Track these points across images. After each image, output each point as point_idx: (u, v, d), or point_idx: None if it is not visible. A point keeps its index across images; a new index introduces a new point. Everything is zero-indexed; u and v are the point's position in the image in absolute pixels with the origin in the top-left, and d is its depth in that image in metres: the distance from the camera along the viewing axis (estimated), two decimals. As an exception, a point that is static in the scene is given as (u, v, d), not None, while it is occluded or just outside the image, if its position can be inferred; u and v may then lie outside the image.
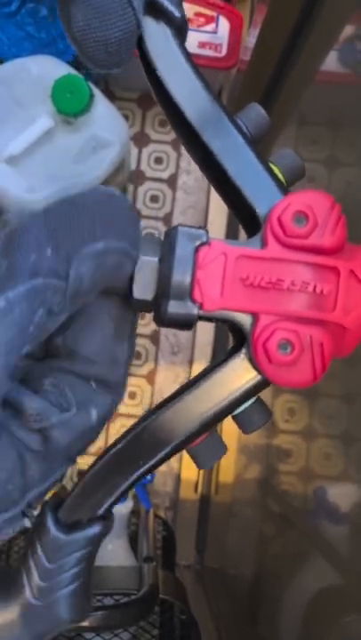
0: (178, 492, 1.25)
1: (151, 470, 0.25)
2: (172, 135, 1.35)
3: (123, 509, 0.87)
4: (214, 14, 1.14)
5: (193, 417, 0.25)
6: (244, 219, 0.26)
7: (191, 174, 1.34)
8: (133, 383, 1.31)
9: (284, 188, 0.26)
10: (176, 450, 0.25)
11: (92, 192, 0.23)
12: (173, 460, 1.23)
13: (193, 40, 1.13)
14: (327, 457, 0.83)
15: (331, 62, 0.85)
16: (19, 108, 0.92)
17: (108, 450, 0.25)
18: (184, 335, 1.30)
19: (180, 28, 0.27)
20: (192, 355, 1.30)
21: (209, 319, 0.25)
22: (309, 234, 0.24)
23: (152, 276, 0.24)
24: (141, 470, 0.25)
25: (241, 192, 0.26)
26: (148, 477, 0.89)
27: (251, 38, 0.99)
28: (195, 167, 1.34)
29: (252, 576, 1.00)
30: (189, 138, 0.27)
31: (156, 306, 0.25)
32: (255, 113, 0.27)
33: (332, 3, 0.74)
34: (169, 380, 1.26)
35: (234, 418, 0.26)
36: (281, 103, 0.95)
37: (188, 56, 0.27)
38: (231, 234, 1.25)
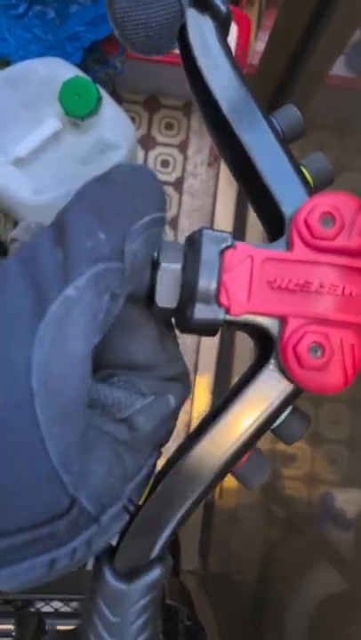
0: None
1: (200, 501, 0.25)
2: (179, 138, 1.35)
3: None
4: (222, 18, 1.14)
5: (233, 439, 0.24)
6: (268, 218, 0.26)
7: (197, 177, 1.34)
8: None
9: (312, 191, 0.25)
10: (221, 476, 0.25)
11: (119, 170, 0.23)
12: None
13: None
14: (332, 462, 0.82)
15: (339, 67, 0.85)
16: (26, 110, 0.92)
17: (153, 487, 0.25)
18: (189, 338, 1.30)
19: (223, 23, 0.27)
20: (197, 358, 1.29)
21: (234, 325, 0.24)
22: (336, 235, 0.24)
23: (175, 283, 0.24)
24: (189, 503, 0.24)
25: (268, 190, 0.25)
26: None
27: (259, 42, 0.98)
28: (201, 170, 1.34)
29: (256, 581, 0.99)
30: (221, 131, 0.26)
31: (180, 311, 0.24)
32: (291, 113, 0.27)
33: (342, 7, 0.73)
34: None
35: (274, 432, 0.26)
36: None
37: (229, 51, 0.27)
38: (238, 238, 1.25)
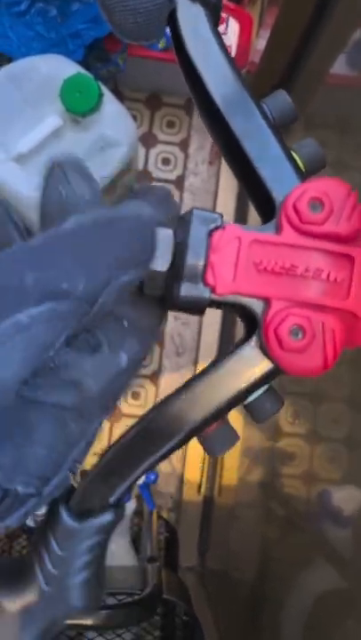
0: (181, 493, 1.24)
1: (163, 458, 0.25)
2: (180, 136, 1.35)
3: (126, 510, 0.87)
4: (224, 15, 1.14)
5: (204, 405, 0.25)
6: (260, 203, 0.26)
7: (198, 176, 1.34)
8: (137, 384, 1.31)
9: (303, 176, 0.26)
10: (187, 438, 0.25)
11: (125, 218, 0.23)
12: (177, 462, 1.23)
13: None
14: (331, 460, 0.82)
15: (340, 65, 0.85)
16: (28, 106, 0.93)
17: (119, 438, 0.25)
18: (189, 336, 1.30)
19: (213, 10, 0.27)
20: (197, 356, 1.30)
21: (220, 304, 0.25)
22: (325, 221, 0.24)
23: (168, 248, 0.24)
24: (153, 458, 0.25)
25: (259, 175, 0.25)
26: (152, 478, 0.89)
27: (260, 40, 0.99)
28: (202, 169, 1.34)
29: (254, 578, 1.00)
30: (213, 117, 0.27)
31: (167, 288, 0.24)
32: (281, 99, 0.27)
33: (343, 6, 0.74)
34: (173, 380, 1.25)
35: (246, 407, 0.26)
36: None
37: (220, 38, 0.27)
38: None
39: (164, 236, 0.24)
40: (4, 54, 1.08)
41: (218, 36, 0.27)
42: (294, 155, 0.26)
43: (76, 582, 0.25)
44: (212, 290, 0.24)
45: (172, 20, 0.27)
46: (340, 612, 0.65)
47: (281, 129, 0.27)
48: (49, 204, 0.24)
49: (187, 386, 0.25)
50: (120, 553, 0.85)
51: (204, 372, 0.25)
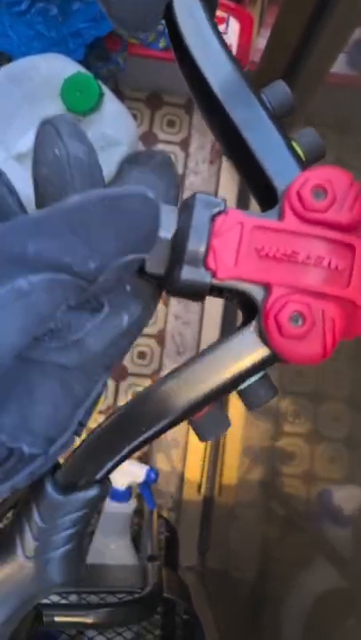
0: (181, 492, 1.25)
1: (153, 438, 0.25)
2: (181, 135, 1.35)
3: (126, 509, 0.87)
4: (225, 15, 1.14)
5: (197, 387, 0.25)
6: (260, 192, 0.26)
7: (199, 175, 1.34)
8: (138, 383, 1.31)
9: (303, 164, 0.26)
10: (179, 419, 0.25)
11: (132, 197, 0.22)
12: (177, 461, 1.23)
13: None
14: (331, 460, 0.82)
15: (340, 65, 0.85)
16: (28, 105, 0.93)
17: (110, 415, 0.25)
18: (190, 335, 1.30)
19: (209, 1, 0.27)
20: (197, 353, 1.29)
21: (220, 290, 0.25)
22: (327, 208, 0.24)
23: (164, 252, 0.24)
24: (143, 437, 0.25)
25: (260, 165, 0.25)
26: (153, 477, 0.89)
27: (261, 39, 0.99)
28: (202, 168, 1.34)
29: (254, 578, 1.00)
30: (212, 109, 0.27)
31: (168, 272, 0.25)
32: (280, 89, 0.27)
33: (343, 6, 0.74)
34: (173, 380, 1.25)
35: (239, 393, 0.26)
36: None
37: (216, 29, 0.27)
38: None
39: (168, 210, 0.24)
40: (5, 53, 1.08)
41: (215, 27, 0.27)
42: (294, 144, 0.26)
43: (57, 555, 0.25)
44: (213, 274, 0.24)
45: (169, 11, 0.27)
46: (341, 612, 0.65)
47: (280, 119, 0.27)
48: (43, 164, 0.23)
49: (182, 367, 0.25)
50: (120, 552, 0.85)
51: (201, 354, 0.25)
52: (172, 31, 0.27)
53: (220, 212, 0.24)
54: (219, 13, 1.13)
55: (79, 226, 0.21)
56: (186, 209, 0.25)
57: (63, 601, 0.60)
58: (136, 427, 0.25)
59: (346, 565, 0.67)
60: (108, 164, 0.94)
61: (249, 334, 0.25)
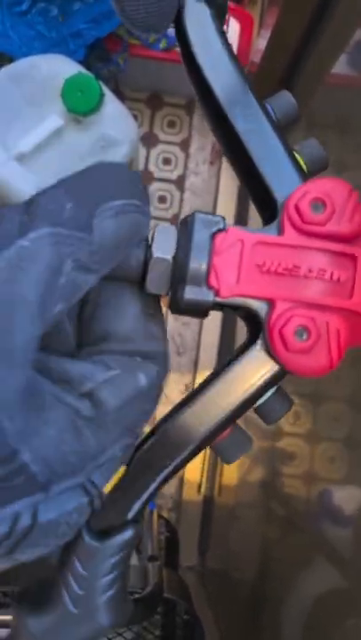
0: (181, 493, 1.25)
1: (178, 469, 0.25)
2: (181, 136, 1.35)
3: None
4: (225, 16, 1.14)
5: (215, 413, 0.25)
6: (261, 203, 0.27)
7: (199, 176, 1.34)
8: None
9: (305, 176, 0.26)
10: (201, 447, 0.25)
11: (98, 164, 0.23)
12: (177, 461, 1.23)
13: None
14: (331, 460, 0.82)
15: (340, 65, 0.85)
16: (29, 106, 0.93)
17: (133, 453, 0.25)
18: (189, 336, 1.30)
19: (219, 10, 0.27)
20: (197, 356, 1.30)
21: (224, 306, 0.25)
22: (327, 221, 0.24)
23: (165, 273, 0.24)
24: (168, 470, 0.25)
25: (261, 176, 0.26)
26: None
27: (261, 40, 0.99)
28: (203, 169, 1.34)
29: (254, 578, 1.00)
30: (216, 117, 0.27)
31: (172, 292, 0.25)
32: (284, 100, 0.27)
33: (343, 6, 0.74)
34: (174, 380, 1.26)
35: (256, 410, 0.26)
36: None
37: (224, 38, 0.27)
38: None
39: (167, 229, 0.25)
40: (6, 54, 1.08)
41: (223, 36, 0.27)
42: (297, 155, 0.26)
43: (103, 601, 0.25)
44: (216, 293, 0.24)
45: (178, 17, 0.27)
46: (341, 612, 0.65)
47: (284, 129, 0.27)
48: None
49: (196, 394, 0.25)
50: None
51: (213, 379, 0.25)
52: (180, 36, 0.27)
53: (219, 230, 0.25)
54: (219, 14, 1.13)
55: (62, 187, 0.22)
56: (185, 228, 0.25)
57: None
58: (160, 462, 0.25)
59: (346, 566, 0.67)
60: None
61: (257, 352, 0.25)
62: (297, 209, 0.24)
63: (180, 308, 0.25)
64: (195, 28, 0.27)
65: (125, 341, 0.25)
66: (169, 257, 0.24)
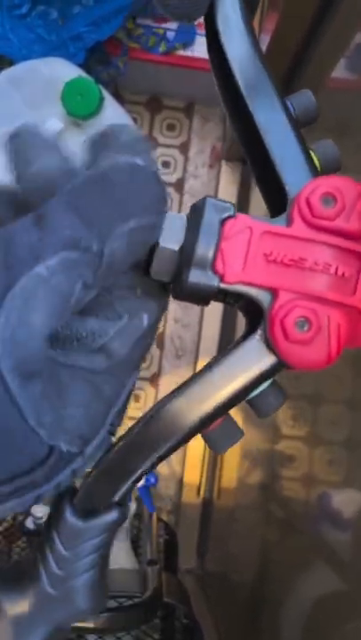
0: (180, 495, 1.25)
1: (167, 454, 0.25)
2: (180, 139, 1.35)
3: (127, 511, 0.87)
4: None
5: (208, 401, 0.25)
6: (272, 195, 0.27)
7: (198, 179, 1.34)
8: (137, 386, 1.31)
9: (318, 174, 0.26)
10: (191, 434, 0.25)
11: (116, 168, 0.23)
12: (176, 464, 1.23)
13: (202, 44, 1.13)
14: (330, 463, 0.82)
15: (339, 69, 0.85)
16: (29, 109, 0.93)
17: (122, 437, 0.25)
18: (189, 339, 1.30)
19: (249, 3, 0.28)
20: (196, 358, 1.30)
21: (227, 294, 0.25)
22: (336, 216, 0.24)
23: (170, 262, 0.24)
24: (157, 455, 0.25)
25: (275, 167, 0.26)
26: (152, 481, 0.89)
27: (261, 45, 0.99)
28: (202, 172, 1.34)
29: (254, 581, 1.00)
30: (236, 106, 0.27)
31: (176, 275, 0.25)
32: (305, 98, 0.28)
33: (343, 10, 0.74)
34: (173, 383, 1.25)
35: (249, 402, 0.26)
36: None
37: (252, 31, 0.28)
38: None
39: (176, 218, 0.25)
40: (5, 57, 1.08)
41: (251, 28, 0.28)
42: (312, 153, 0.27)
43: (82, 583, 0.25)
44: (221, 278, 0.24)
45: (210, 7, 0.28)
46: (340, 615, 0.65)
47: (302, 126, 0.27)
48: (25, 181, 0.24)
49: (190, 382, 0.25)
50: (120, 556, 0.85)
51: (208, 367, 0.25)
52: (208, 27, 0.28)
53: (229, 217, 0.25)
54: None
55: (73, 206, 0.22)
56: (195, 212, 0.25)
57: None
58: (149, 446, 0.25)
59: (345, 568, 0.67)
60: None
61: (255, 342, 0.25)
62: (308, 202, 0.24)
63: (183, 291, 0.24)
64: (224, 19, 0.27)
65: (130, 275, 0.25)
66: (175, 247, 0.24)
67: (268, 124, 0.26)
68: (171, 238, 0.24)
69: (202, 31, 1.13)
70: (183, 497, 1.24)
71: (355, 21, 0.76)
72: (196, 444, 1.37)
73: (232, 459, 1.20)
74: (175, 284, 0.25)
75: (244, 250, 0.24)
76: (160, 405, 0.25)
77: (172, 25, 1.14)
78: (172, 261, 0.24)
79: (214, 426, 0.26)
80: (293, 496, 0.93)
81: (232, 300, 0.26)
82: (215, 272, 0.24)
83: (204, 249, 0.24)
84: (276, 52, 0.88)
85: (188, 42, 1.14)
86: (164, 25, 1.14)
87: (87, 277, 0.21)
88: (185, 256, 0.24)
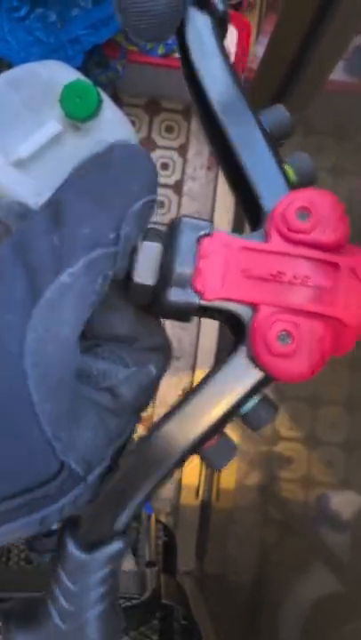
0: (179, 497, 1.25)
1: (165, 480, 0.26)
2: (179, 141, 1.36)
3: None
4: (223, 22, 1.14)
5: (200, 421, 0.25)
6: (250, 211, 0.27)
7: (197, 181, 1.35)
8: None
9: (293, 188, 0.26)
10: (186, 456, 0.26)
11: (115, 150, 0.24)
12: (175, 466, 1.23)
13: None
14: (329, 464, 0.83)
15: (338, 72, 0.85)
16: (28, 111, 0.93)
17: (119, 465, 0.26)
18: (187, 341, 1.30)
19: (220, 22, 0.28)
20: (195, 361, 1.30)
21: (208, 310, 0.25)
22: (312, 229, 0.25)
23: (155, 261, 0.25)
24: (154, 481, 0.25)
25: (250, 183, 0.26)
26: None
27: (259, 47, 0.99)
28: (200, 174, 1.34)
29: (252, 583, 1.00)
30: (211, 124, 0.27)
31: (156, 294, 0.25)
32: (279, 112, 0.28)
33: (342, 12, 0.74)
34: (171, 385, 1.26)
35: (241, 417, 0.27)
36: (288, 111, 0.95)
37: (223, 49, 0.28)
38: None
39: (150, 249, 0.25)
40: (4, 59, 1.08)
41: (222, 46, 0.28)
42: (287, 167, 0.27)
43: (93, 616, 0.25)
44: (201, 296, 0.24)
45: (180, 26, 0.28)
46: (338, 617, 0.65)
47: (276, 141, 0.27)
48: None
49: (180, 405, 0.26)
50: (118, 557, 0.84)
51: (197, 388, 0.26)
52: (181, 43, 0.28)
53: (206, 235, 0.25)
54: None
55: (84, 198, 0.22)
56: (173, 232, 0.25)
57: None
58: (146, 473, 0.25)
59: (343, 570, 0.67)
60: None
61: (240, 359, 0.25)
62: (283, 217, 0.25)
63: (164, 310, 0.25)
64: (195, 37, 0.28)
65: (131, 341, 0.26)
66: (150, 282, 0.25)
67: (242, 140, 0.27)
68: (145, 273, 0.25)
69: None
70: (182, 499, 1.24)
71: (354, 23, 0.77)
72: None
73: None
74: (155, 303, 0.25)
75: (222, 266, 0.25)
76: (153, 431, 0.25)
77: (171, 27, 1.14)
78: (148, 293, 0.25)
79: (211, 443, 0.26)
80: (292, 498, 0.93)
81: (216, 315, 0.26)
82: (195, 290, 0.24)
83: (182, 268, 0.24)
84: (274, 55, 0.88)
85: (186, 44, 1.14)
86: (162, 27, 1.14)
87: (108, 270, 0.22)
88: (164, 276, 0.25)
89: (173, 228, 0.25)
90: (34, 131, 0.91)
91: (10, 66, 1.00)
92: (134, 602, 0.59)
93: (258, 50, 1.04)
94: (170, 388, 1.25)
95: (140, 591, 0.60)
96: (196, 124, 1.35)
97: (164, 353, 0.27)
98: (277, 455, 1.00)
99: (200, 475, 1.24)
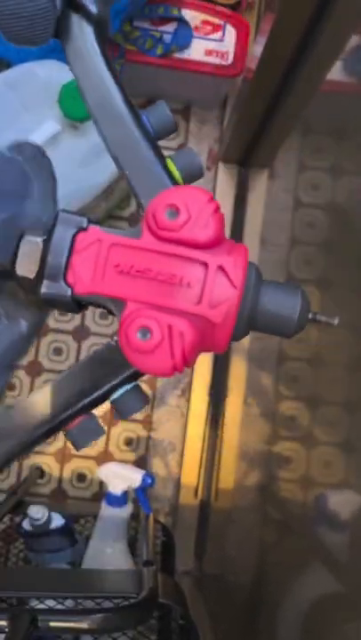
0: (178, 497, 1.25)
1: (23, 451, 0.27)
2: (177, 142, 1.36)
3: (122, 513, 0.87)
4: (221, 22, 1.15)
5: (68, 398, 0.27)
6: (141, 208, 0.28)
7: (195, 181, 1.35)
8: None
9: (176, 184, 0.27)
10: (50, 432, 0.27)
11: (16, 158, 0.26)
12: (174, 466, 1.23)
13: (200, 47, 1.14)
14: (327, 464, 0.83)
15: (336, 71, 0.86)
16: (26, 111, 0.93)
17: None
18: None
19: (98, 24, 0.28)
20: (194, 360, 1.29)
21: (84, 303, 0.26)
22: (180, 227, 0.25)
23: (35, 255, 0.26)
24: (12, 451, 0.27)
25: (129, 182, 0.27)
26: (149, 482, 0.89)
27: (257, 47, 0.99)
28: (199, 173, 1.34)
29: (251, 582, 1.00)
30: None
31: (34, 286, 0.26)
32: (160, 110, 0.29)
33: (339, 12, 0.74)
34: (170, 383, 1.26)
35: (112, 403, 0.28)
36: (286, 111, 0.96)
37: (104, 51, 0.28)
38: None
39: (31, 243, 0.26)
40: (2, 59, 1.08)
41: (102, 48, 0.28)
42: (170, 164, 0.27)
43: None
44: (72, 289, 0.26)
45: (59, 29, 0.28)
46: (337, 616, 0.65)
47: (159, 138, 0.28)
48: None
49: (54, 381, 0.27)
50: (117, 557, 0.85)
51: (71, 369, 0.27)
52: (63, 48, 0.29)
53: (81, 230, 0.26)
54: (215, 20, 1.14)
55: None
56: (52, 227, 0.26)
57: (59, 606, 0.60)
58: (5, 443, 0.27)
59: (342, 570, 0.67)
60: (105, 170, 0.95)
61: (111, 347, 0.27)
62: (153, 214, 0.25)
63: (38, 301, 0.26)
64: (71, 40, 0.28)
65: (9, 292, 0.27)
66: (39, 239, 0.26)
67: (118, 140, 0.28)
68: (26, 266, 0.26)
69: (199, 34, 1.14)
70: (180, 498, 1.24)
71: (351, 23, 0.77)
72: (194, 446, 1.37)
73: (229, 460, 1.20)
74: (32, 293, 0.26)
75: (94, 261, 0.26)
76: (19, 402, 0.27)
77: (169, 28, 1.14)
78: (31, 284, 0.26)
79: (75, 424, 0.28)
80: (291, 497, 0.93)
81: (99, 307, 0.27)
82: (67, 283, 0.26)
83: (55, 262, 0.25)
84: (272, 54, 0.88)
85: (184, 44, 1.14)
86: (160, 28, 1.14)
87: None
88: (40, 268, 0.26)
89: (54, 222, 0.26)
90: (32, 130, 0.91)
91: (8, 66, 1.01)
92: (131, 601, 0.59)
93: (256, 50, 1.04)
94: (168, 387, 1.25)
95: (137, 590, 0.60)
96: (194, 124, 1.35)
97: (39, 311, 0.28)
98: (276, 455, 1.00)
99: (199, 475, 1.24)
